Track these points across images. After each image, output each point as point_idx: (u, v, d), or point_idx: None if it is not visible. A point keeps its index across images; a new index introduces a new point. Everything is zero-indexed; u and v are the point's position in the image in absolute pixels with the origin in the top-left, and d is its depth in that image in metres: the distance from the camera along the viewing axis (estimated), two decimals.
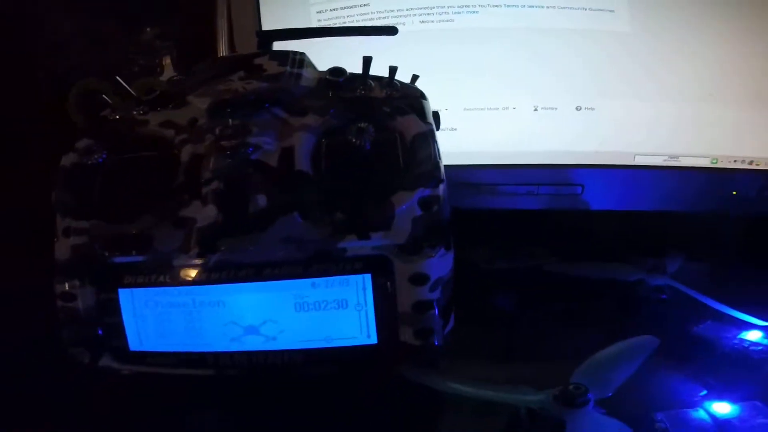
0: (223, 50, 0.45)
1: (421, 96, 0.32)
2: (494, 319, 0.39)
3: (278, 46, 0.35)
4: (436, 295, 0.29)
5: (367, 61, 0.31)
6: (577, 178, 0.43)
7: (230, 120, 0.29)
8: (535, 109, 0.42)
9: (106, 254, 0.29)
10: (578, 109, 0.42)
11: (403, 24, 0.42)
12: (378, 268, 0.28)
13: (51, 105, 0.45)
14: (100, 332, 0.30)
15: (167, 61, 0.55)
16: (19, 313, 0.38)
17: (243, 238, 0.28)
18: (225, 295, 0.29)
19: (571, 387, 0.26)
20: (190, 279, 0.28)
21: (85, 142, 0.30)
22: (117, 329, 0.29)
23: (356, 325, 0.29)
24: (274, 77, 0.31)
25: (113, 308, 0.29)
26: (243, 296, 0.29)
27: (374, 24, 0.42)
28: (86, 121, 0.32)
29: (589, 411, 0.25)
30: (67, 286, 0.29)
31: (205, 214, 0.28)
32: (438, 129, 0.31)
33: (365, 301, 0.29)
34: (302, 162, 0.29)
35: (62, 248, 0.29)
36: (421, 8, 0.42)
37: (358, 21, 0.42)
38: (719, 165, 0.42)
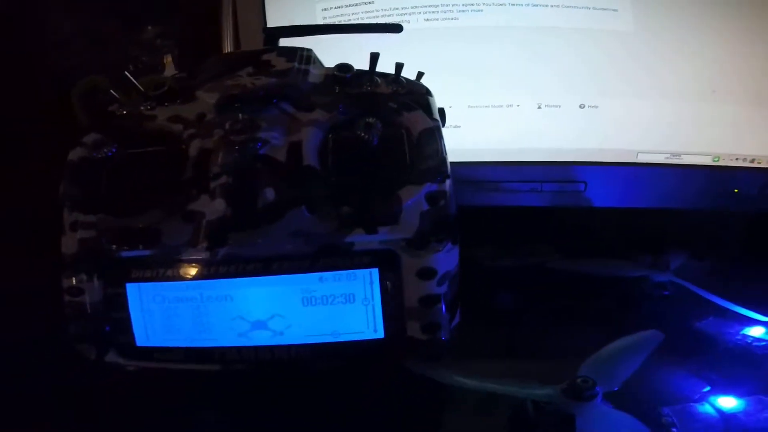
0: (228, 47, 0.45)
1: (427, 92, 0.32)
2: (498, 316, 0.39)
3: (283, 43, 0.35)
4: (443, 289, 0.29)
5: (374, 58, 0.32)
6: (580, 176, 0.43)
7: (240, 114, 0.29)
8: (539, 107, 0.42)
9: (114, 248, 0.29)
10: (582, 107, 0.42)
11: (408, 22, 0.42)
12: (385, 262, 0.28)
13: (51, 105, 0.46)
14: (106, 327, 0.30)
15: (168, 59, 0.55)
16: (19, 313, 0.38)
17: (252, 232, 0.28)
18: (233, 289, 0.29)
19: (579, 380, 0.26)
20: (198, 273, 0.28)
21: (93, 136, 0.30)
22: (124, 324, 0.29)
23: (363, 319, 0.29)
24: (282, 73, 0.31)
25: (120, 303, 0.29)
26: (251, 290, 0.29)
27: (379, 22, 0.42)
28: (94, 116, 0.32)
29: (597, 404, 0.25)
30: (74, 280, 0.29)
31: (213, 208, 0.28)
32: (444, 125, 0.31)
33: (372, 296, 0.29)
34: (310, 157, 0.29)
35: (69, 242, 0.29)
36: (425, 6, 0.42)
37: (362, 18, 0.43)
38: (721, 163, 0.42)
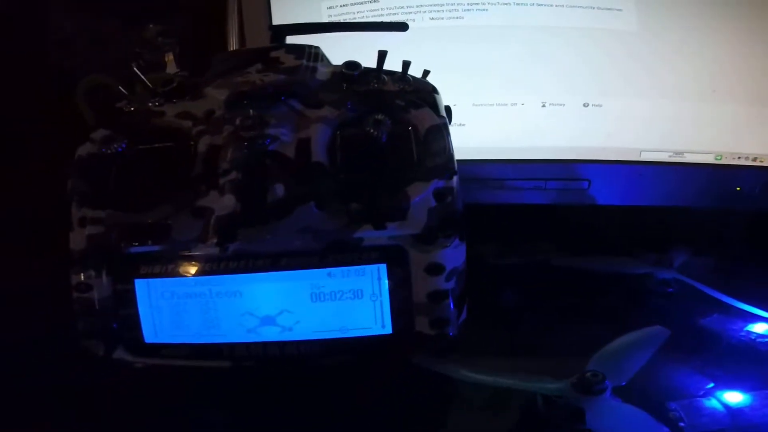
0: (233, 45, 0.45)
1: (434, 90, 0.32)
2: (503, 314, 0.40)
3: (289, 41, 0.35)
4: (451, 285, 0.29)
5: (382, 55, 0.32)
6: (584, 174, 0.43)
7: (251, 110, 0.29)
8: (543, 106, 0.43)
9: (123, 244, 0.29)
10: (585, 105, 0.42)
11: (413, 20, 0.42)
12: (393, 258, 0.29)
13: (51, 105, 0.46)
14: (115, 324, 0.29)
15: (170, 57, 0.55)
16: (19, 313, 0.38)
17: (261, 228, 0.28)
18: (242, 285, 0.29)
19: (588, 374, 0.26)
20: (207, 269, 0.28)
21: (102, 132, 0.31)
22: (132, 321, 0.29)
23: (371, 315, 0.29)
24: (291, 70, 0.31)
25: (129, 299, 0.29)
26: (260, 286, 0.29)
27: (384, 20, 0.42)
28: (100, 112, 0.32)
29: (607, 398, 0.26)
30: (82, 276, 0.29)
31: (223, 203, 0.28)
32: (450, 123, 0.32)
33: (380, 292, 0.29)
34: (319, 153, 0.29)
35: (77, 238, 0.29)
36: (431, 5, 0.42)
37: (368, 17, 0.43)
38: (723, 162, 0.43)
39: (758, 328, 0.37)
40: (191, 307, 0.29)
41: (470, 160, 0.43)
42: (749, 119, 0.42)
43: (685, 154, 0.43)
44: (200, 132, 0.30)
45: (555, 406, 0.27)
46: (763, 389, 0.31)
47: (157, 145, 0.30)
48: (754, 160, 0.42)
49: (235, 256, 0.28)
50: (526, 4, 0.41)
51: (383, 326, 0.29)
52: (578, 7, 0.41)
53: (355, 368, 0.30)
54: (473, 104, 0.43)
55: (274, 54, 0.32)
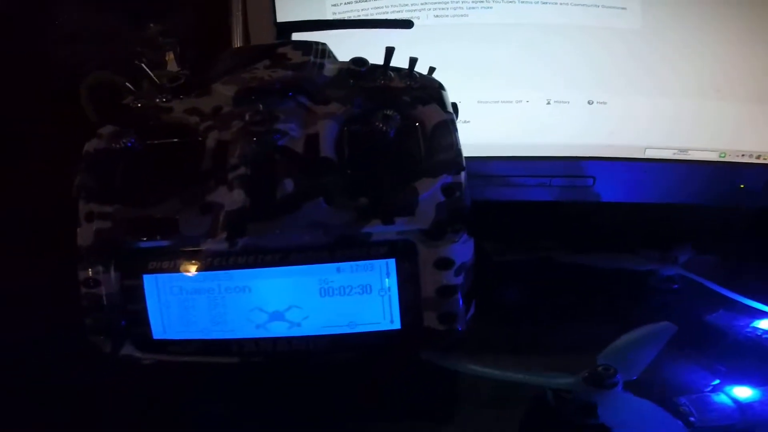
0: (238, 42, 0.45)
1: (440, 87, 0.32)
2: (507, 311, 0.40)
3: (294, 38, 0.35)
4: (459, 280, 0.29)
5: (389, 52, 0.32)
6: (588, 171, 0.43)
7: (261, 105, 0.29)
8: (548, 103, 0.43)
9: (131, 239, 0.29)
10: (590, 103, 0.43)
11: (418, 18, 0.42)
12: (402, 253, 0.29)
13: (51, 105, 0.46)
14: (123, 320, 0.29)
15: (170, 56, 0.55)
16: (19, 313, 0.38)
17: (271, 223, 0.28)
18: (251, 280, 0.29)
19: (600, 368, 0.26)
20: (216, 264, 0.28)
21: (110, 128, 0.30)
22: (140, 316, 0.29)
23: (379, 310, 0.29)
24: (299, 66, 0.31)
25: (137, 295, 0.29)
26: (269, 281, 0.29)
27: (389, 18, 0.42)
28: (107, 108, 0.32)
29: (618, 392, 0.26)
30: (90, 272, 0.29)
31: (232, 198, 0.28)
32: (456, 119, 0.32)
33: (389, 287, 0.29)
34: (327, 149, 0.29)
35: (85, 234, 0.29)
36: (435, 3, 0.42)
37: (372, 15, 0.43)
38: (727, 159, 0.43)
39: (764, 324, 0.37)
40: (200, 302, 0.29)
41: (475, 157, 0.43)
42: (753, 117, 0.42)
43: (689, 152, 0.43)
44: (208, 128, 0.30)
45: (565, 400, 0.27)
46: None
47: (165, 141, 0.30)
48: (758, 157, 0.43)
49: (244, 251, 0.28)
50: (531, 2, 0.41)
51: (392, 321, 0.29)
52: (583, 5, 0.41)
53: (364, 363, 0.30)
54: (478, 101, 0.43)
55: (281, 50, 0.32)
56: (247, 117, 0.29)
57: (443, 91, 0.32)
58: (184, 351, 0.30)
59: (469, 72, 0.43)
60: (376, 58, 0.32)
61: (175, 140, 0.30)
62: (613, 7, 0.41)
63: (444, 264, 0.29)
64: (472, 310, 0.30)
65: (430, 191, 0.29)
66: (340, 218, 0.28)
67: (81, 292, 0.29)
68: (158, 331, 0.30)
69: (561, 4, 0.41)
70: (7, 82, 0.45)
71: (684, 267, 0.41)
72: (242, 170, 0.28)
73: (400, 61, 0.32)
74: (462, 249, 0.29)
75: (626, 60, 0.42)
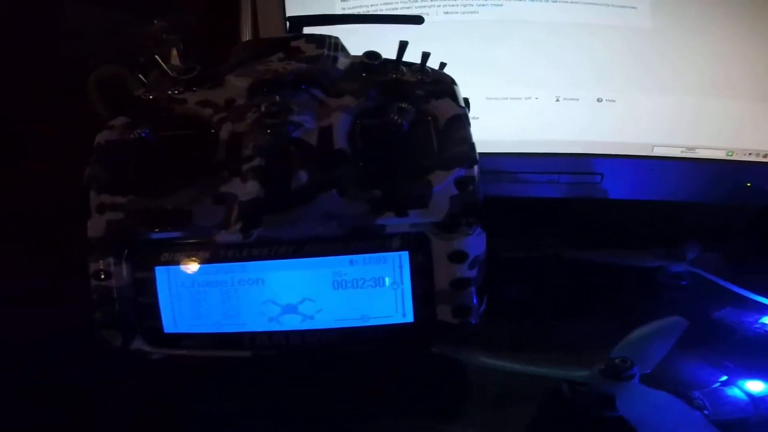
0: (247, 37, 0.45)
1: (452, 82, 0.33)
2: (515, 308, 0.40)
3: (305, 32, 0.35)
4: (473, 273, 0.29)
5: (402, 46, 0.32)
6: (596, 168, 0.43)
7: (277, 97, 0.29)
8: (557, 100, 0.43)
9: (143, 230, 0.29)
10: (599, 100, 0.43)
11: (427, 14, 0.42)
12: (416, 245, 0.29)
13: (51, 104, 0.45)
14: (134, 313, 0.29)
15: (174, 52, 0.55)
16: (19, 313, 0.37)
17: (285, 214, 0.28)
18: (264, 272, 0.29)
19: (617, 361, 0.26)
20: (230, 255, 0.28)
21: (122, 119, 0.30)
22: (152, 310, 0.29)
23: (392, 303, 0.29)
24: (313, 59, 0.32)
25: (149, 287, 0.29)
26: (282, 274, 0.29)
27: (399, 13, 0.42)
28: (117, 101, 0.32)
29: (636, 384, 0.26)
30: (101, 264, 0.29)
31: (246, 190, 0.28)
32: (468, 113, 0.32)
33: (401, 280, 0.29)
34: (340, 141, 0.29)
35: (96, 225, 0.29)
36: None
37: (381, 10, 0.43)
38: (734, 157, 0.43)
39: None
40: (212, 295, 0.29)
41: (484, 153, 0.43)
42: (760, 116, 0.42)
43: (697, 150, 0.43)
44: (221, 119, 0.30)
45: (582, 393, 0.27)
46: None
47: (179, 132, 0.30)
48: (765, 156, 0.43)
49: (258, 243, 0.28)
50: (541, 0, 0.41)
51: (404, 315, 0.29)
52: (593, 4, 0.41)
53: (375, 357, 0.30)
54: (487, 98, 0.43)
55: (294, 43, 0.33)
56: (262, 108, 0.29)
57: (455, 86, 0.32)
58: (196, 345, 0.30)
59: (478, 68, 0.43)
60: (384, 54, 0.32)
61: (188, 132, 0.30)
62: (624, 6, 0.41)
63: (458, 257, 0.29)
64: (483, 305, 0.30)
65: (443, 184, 0.29)
66: (353, 210, 0.28)
67: (91, 285, 0.29)
68: (169, 325, 0.29)
69: (571, 2, 0.41)
70: (7, 81, 0.45)
71: (692, 264, 0.41)
72: (257, 161, 0.28)
73: (407, 56, 0.32)
74: (476, 242, 0.29)
75: (635, 58, 0.42)
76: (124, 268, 0.29)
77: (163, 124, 0.30)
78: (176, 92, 0.31)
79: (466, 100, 0.33)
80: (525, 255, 0.44)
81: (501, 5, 0.42)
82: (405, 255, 0.29)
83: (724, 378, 0.32)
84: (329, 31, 0.34)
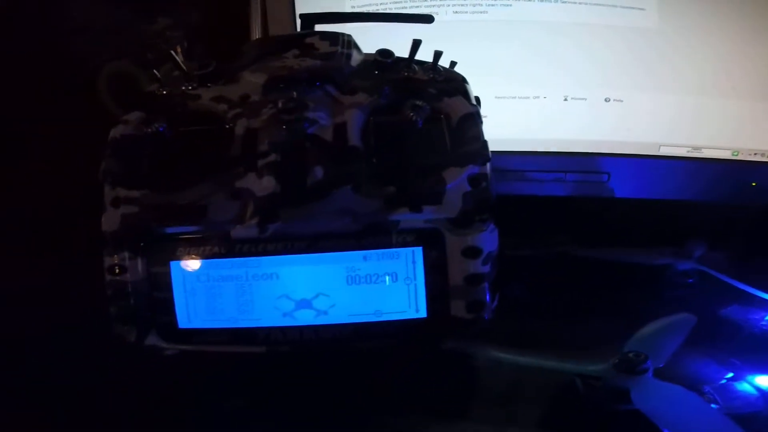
0: (256, 34, 0.45)
1: (464, 80, 0.33)
2: (522, 306, 0.40)
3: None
4: (487, 269, 0.29)
5: (415, 44, 0.32)
6: (603, 167, 0.44)
7: (294, 93, 0.29)
8: (565, 99, 0.43)
9: (158, 225, 0.29)
10: (607, 100, 0.43)
11: (437, 14, 0.42)
12: (429, 241, 0.29)
13: (51, 104, 0.45)
14: (148, 308, 0.29)
15: (178, 50, 0.55)
16: (19, 313, 0.37)
17: (302, 209, 0.28)
18: (279, 267, 0.29)
19: (631, 354, 0.27)
20: (245, 250, 0.28)
21: (137, 114, 0.30)
22: (166, 305, 0.29)
23: (405, 299, 0.29)
24: (327, 56, 0.32)
25: (164, 282, 0.29)
26: (297, 269, 0.29)
27: (408, 12, 0.43)
28: (130, 96, 0.32)
29: (650, 378, 0.26)
30: (116, 258, 0.29)
31: (262, 185, 0.28)
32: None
33: (414, 275, 0.29)
34: (354, 138, 0.29)
35: (111, 219, 0.29)
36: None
37: (390, 9, 0.43)
38: (740, 157, 0.43)
39: None
40: (227, 290, 0.29)
41: (492, 151, 0.43)
42: (766, 116, 0.42)
43: (703, 150, 0.43)
44: (236, 115, 0.30)
45: (595, 387, 0.27)
46: None
47: (194, 127, 0.30)
48: None
49: (273, 238, 0.28)
50: (550, 1, 0.42)
51: (417, 310, 0.29)
52: (601, 5, 0.41)
53: (389, 352, 0.30)
54: (496, 96, 0.43)
55: (309, 40, 0.33)
56: (279, 104, 0.29)
57: (467, 85, 0.32)
58: (210, 340, 0.30)
59: (487, 68, 0.43)
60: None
61: (204, 127, 0.30)
62: (632, 8, 0.41)
63: (472, 252, 0.29)
64: (495, 301, 0.30)
65: (457, 181, 0.29)
66: (367, 206, 0.28)
67: (106, 280, 0.29)
68: (183, 320, 0.29)
69: (580, 3, 0.42)
70: (7, 81, 0.45)
71: (698, 262, 0.41)
72: (272, 157, 0.28)
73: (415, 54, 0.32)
74: (489, 238, 0.29)
75: (642, 59, 0.42)
76: (140, 263, 0.29)
77: (177, 120, 0.30)
78: (190, 88, 0.32)
79: (477, 99, 0.33)
80: (532, 253, 0.44)
81: (510, 5, 0.42)
82: (419, 251, 0.29)
83: (730, 375, 0.32)
84: (340, 29, 0.35)
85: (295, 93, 0.29)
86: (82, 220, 0.30)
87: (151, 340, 0.30)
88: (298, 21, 0.43)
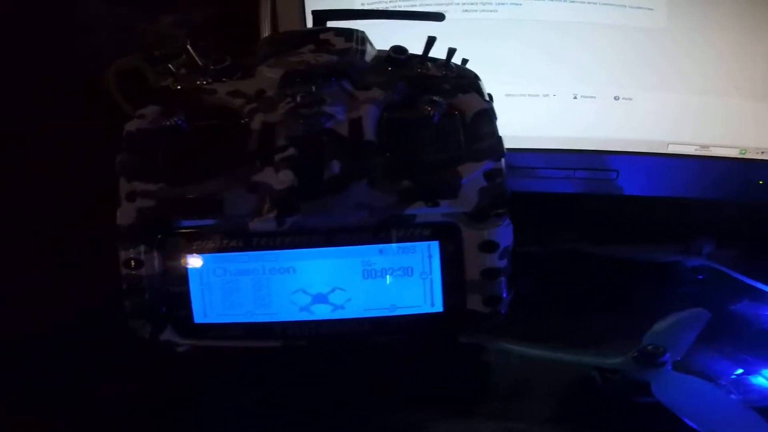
0: (266, 31, 0.46)
1: (476, 77, 0.33)
2: (532, 302, 0.40)
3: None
4: (503, 263, 0.29)
5: (430, 41, 0.32)
6: (612, 164, 0.44)
7: (313, 87, 0.29)
8: (575, 97, 0.44)
9: (175, 218, 0.29)
10: (616, 99, 0.43)
11: (446, 12, 0.42)
12: (446, 235, 0.29)
13: (52, 104, 0.45)
14: (164, 303, 0.29)
15: (190, 46, 0.55)
16: (19, 313, 0.37)
17: (319, 202, 0.28)
18: (296, 260, 0.29)
19: (650, 347, 0.27)
20: (262, 244, 0.28)
21: (152, 108, 0.30)
22: (182, 299, 0.29)
23: (420, 293, 0.29)
24: (342, 52, 0.32)
25: (180, 276, 0.29)
26: (313, 263, 0.29)
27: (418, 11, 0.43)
28: (140, 92, 0.32)
29: (669, 370, 0.26)
30: (132, 252, 0.29)
31: (279, 179, 0.28)
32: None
33: (430, 269, 0.29)
34: (370, 132, 0.29)
35: (127, 213, 0.29)
36: None
37: (400, 6, 0.43)
38: (747, 156, 0.44)
39: None
40: (243, 284, 0.29)
41: None
42: None
43: (711, 148, 0.44)
44: (253, 110, 0.30)
45: (613, 381, 0.27)
46: None
47: (210, 122, 0.30)
48: None
49: (291, 232, 0.28)
50: (560, 0, 0.42)
51: (433, 304, 0.29)
52: (610, 5, 0.42)
53: (405, 347, 0.30)
54: (506, 94, 0.44)
55: (323, 36, 0.33)
56: (298, 99, 0.29)
57: (480, 81, 0.33)
58: (226, 335, 0.30)
59: (497, 66, 0.43)
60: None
61: (220, 121, 0.30)
62: (641, 8, 0.41)
63: (489, 247, 0.29)
64: (510, 296, 0.31)
65: (473, 175, 0.29)
66: (384, 200, 0.29)
67: (122, 274, 0.29)
68: (199, 315, 0.29)
69: (589, 3, 0.42)
70: (8, 81, 0.45)
71: (708, 258, 0.42)
72: (290, 151, 0.28)
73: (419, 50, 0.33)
74: (505, 233, 0.29)
75: (652, 58, 0.42)
76: (156, 257, 0.29)
77: (193, 114, 0.30)
78: (205, 83, 0.32)
79: (490, 95, 0.33)
80: (541, 250, 0.44)
81: (520, 4, 0.42)
82: (435, 245, 0.29)
83: (740, 371, 0.32)
84: (351, 26, 0.35)
85: (313, 87, 0.29)
86: (82, 220, 0.30)
87: (167, 335, 0.30)
88: (308, 19, 0.43)
